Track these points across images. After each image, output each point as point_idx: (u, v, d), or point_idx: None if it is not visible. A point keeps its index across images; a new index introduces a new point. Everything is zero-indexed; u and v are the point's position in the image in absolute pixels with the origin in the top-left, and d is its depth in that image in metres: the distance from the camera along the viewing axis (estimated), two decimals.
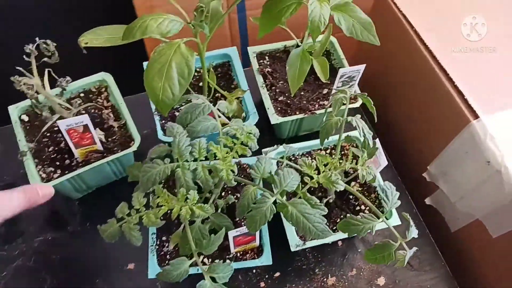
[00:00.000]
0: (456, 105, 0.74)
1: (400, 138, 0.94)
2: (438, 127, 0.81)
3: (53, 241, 0.81)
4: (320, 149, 0.79)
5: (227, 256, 0.70)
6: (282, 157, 0.71)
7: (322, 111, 0.80)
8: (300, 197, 0.57)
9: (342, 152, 0.79)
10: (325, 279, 0.76)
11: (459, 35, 0.82)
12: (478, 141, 0.71)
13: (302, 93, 0.83)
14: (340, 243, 0.80)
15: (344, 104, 0.64)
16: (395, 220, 0.68)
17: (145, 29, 0.58)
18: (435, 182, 0.84)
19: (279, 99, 0.82)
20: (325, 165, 0.60)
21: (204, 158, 0.60)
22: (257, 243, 0.69)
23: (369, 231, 0.56)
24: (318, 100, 0.83)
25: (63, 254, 0.80)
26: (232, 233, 0.64)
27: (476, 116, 0.72)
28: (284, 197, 0.57)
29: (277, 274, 0.76)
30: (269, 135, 0.91)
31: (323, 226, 0.53)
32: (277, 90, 0.83)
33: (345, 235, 0.65)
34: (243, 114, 0.77)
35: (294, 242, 0.67)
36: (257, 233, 0.66)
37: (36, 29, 1.09)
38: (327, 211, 0.55)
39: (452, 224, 0.83)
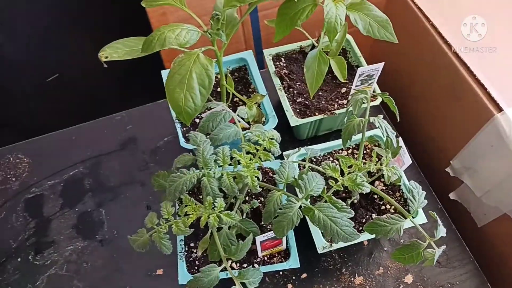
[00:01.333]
0: (479, 98, 0.73)
1: (420, 134, 0.93)
2: (460, 122, 0.80)
3: (83, 250, 0.83)
4: (342, 150, 0.79)
5: (255, 260, 0.71)
6: (303, 160, 0.71)
7: (342, 110, 0.80)
8: (325, 201, 0.57)
9: (364, 151, 0.79)
10: (352, 279, 0.76)
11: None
12: (503, 134, 0.70)
13: (320, 93, 0.83)
14: (366, 242, 0.80)
15: (364, 103, 0.64)
16: (421, 219, 0.67)
17: (164, 41, 0.59)
18: (459, 176, 0.83)
19: (297, 100, 0.82)
20: (349, 167, 0.60)
21: (228, 165, 0.61)
22: (283, 246, 0.70)
23: (396, 231, 0.56)
24: (337, 100, 0.82)
25: (93, 262, 0.82)
26: (259, 238, 0.64)
27: (500, 109, 0.70)
28: (309, 201, 0.57)
29: (304, 275, 0.77)
30: (288, 136, 0.91)
31: (351, 229, 0.53)
32: (295, 92, 0.83)
33: (372, 236, 0.65)
34: (263, 119, 0.78)
35: (321, 244, 0.67)
36: (284, 237, 0.67)
37: (56, 43, 1.13)
38: (353, 214, 0.55)
39: (478, 219, 0.82)
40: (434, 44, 0.80)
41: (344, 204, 0.55)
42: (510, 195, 0.72)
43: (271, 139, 0.61)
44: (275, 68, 0.86)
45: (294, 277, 0.76)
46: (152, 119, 0.98)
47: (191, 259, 0.72)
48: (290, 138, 0.92)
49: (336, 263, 0.77)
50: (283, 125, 0.80)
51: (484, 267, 0.78)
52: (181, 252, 0.72)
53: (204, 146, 0.60)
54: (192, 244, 0.73)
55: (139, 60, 0.88)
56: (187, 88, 0.58)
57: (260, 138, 0.61)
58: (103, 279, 0.80)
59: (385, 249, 0.79)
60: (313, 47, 0.85)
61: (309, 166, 0.65)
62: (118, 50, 0.66)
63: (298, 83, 0.85)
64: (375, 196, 0.73)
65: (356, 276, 0.76)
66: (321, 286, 0.76)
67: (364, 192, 0.57)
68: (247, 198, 0.75)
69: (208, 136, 0.64)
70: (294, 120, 0.79)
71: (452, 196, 0.87)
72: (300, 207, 0.55)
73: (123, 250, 0.82)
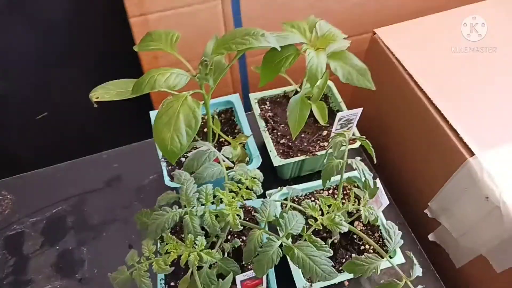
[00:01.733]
0: (452, 143, 0.77)
1: (399, 177, 0.97)
2: (436, 165, 0.83)
3: None
4: (323, 190, 0.81)
5: None
6: (285, 199, 0.73)
7: (323, 152, 0.83)
8: (305, 239, 0.59)
9: (344, 192, 0.81)
10: None
11: (452, 75, 0.86)
12: (475, 178, 0.73)
13: (303, 135, 0.87)
14: (346, 283, 0.80)
15: (343, 145, 0.67)
16: (399, 259, 0.69)
17: (154, 83, 0.62)
18: (436, 218, 0.86)
19: (281, 141, 0.85)
20: (329, 207, 0.62)
21: (210, 203, 0.62)
22: (264, 286, 0.70)
23: (374, 271, 0.58)
24: (319, 142, 0.86)
25: None
26: (239, 278, 0.65)
27: (471, 154, 0.74)
28: (290, 240, 0.59)
29: None
30: (272, 176, 0.93)
31: (329, 268, 0.55)
32: (279, 133, 0.87)
33: (351, 275, 0.66)
34: (247, 159, 0.80)
35: (301, 284, 0.68)
36: (264, 277, 0.67)
37: (47, 81, 1.15)
38: (332, 253, 0.56)
39: (456, 260, 0.84)
40: (411, 91, 0.85)
41: (323, 243, 0.57)
42: (484, 237, 0.75)
43: (254, 178, 0.63)
44: (260, 111, 0.90)
45: None
46: (138, 158, 1.00)
47: None
48: (274, 178, 0.94)
49: None
50: (267, 166, 0.82)
51: None
52: None
53: (188, 185, 0.62)
54: (172, 284, 0.73)
55: (129, 101, 0.91)
56: (174, 128, 0.61)
57: (243, 177, 0.63)
58: None
59: None
60: (296, 92, 0.89)
61: (290, 205, 0.67)
62: (109, 91, 0.69)
63: (281, 126, 0.88)
64: (355, 236, 0.75)
65: None
66: None
67: (343, 231, 0.59)
68: (229, 237, 0.76)
69: (192, 175, 0.65)
70: (277, 161, 0.82)
71: (431, 237, 0.89)
72: (280, 245, 0.57)
73: None
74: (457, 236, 0.81)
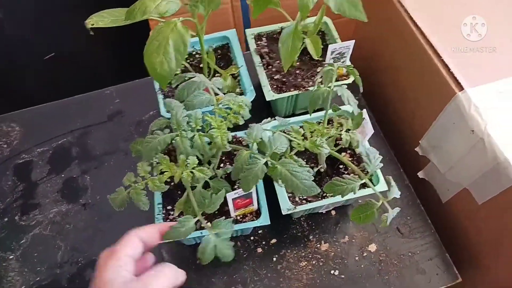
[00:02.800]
0: (443, 79, 0.77)
1: (394, 117, 0.98)
2: (427, 102, 0.84)
3: (67, 212, 0.88)
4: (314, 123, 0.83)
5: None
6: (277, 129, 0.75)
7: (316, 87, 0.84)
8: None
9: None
10: (318, 245, 0.80)
11: (450, 11, 0.85)
12: (463, 111, 0.74)
13: (298, 71, 0.88)
14: (333, 212, 0.84)
15: (332, 75, 0.68)
16: (382, 186, 0.72)
17: (144, 10, 0.63)
18: (427, 155, 0.88)
19: (275, 77, 0.87)
20: (312, 132, 0.65)
21: (201, 129, 0.65)
22: (255, 206, 0.74)
23: (352, 192, 0.61)
24: (313, 78, 0.87)
25: (76, 224, 0.86)
26: (230, 195, 0.68)
27: (461, 88, 0.75)
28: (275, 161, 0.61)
29: (274, 240, 0.81)
30: (267, 113, 0.95)
31: (310, 182, 0.58)
32: (273, 69, 0.88)
33: (336, 200, 0.70)
34: (238, 89, 0.82)
35: (286, 206, 0.71)
36: (255, 197, 0.71)
37: (54, 21, 1.17)
38: (312, 171, 0.59)
39: (442, 194, 0.87)
40: (405, 25, 0.85)
41: (304, 163, 0.60)
42: (468, 170, 0.77)
43: (241, 103, 0.65)
44: (256, 46, 0.90)
45: (264, 242, 0.81)
46: (139, 94, 1.03)
47: (168, 220, 0.76)
48: (269, 115, 0.95)
49: (304, 230, 0.82)
50: (262, 103, 0.84)
51: (444, 239, 0.82)
52: (158, 214, 0.76)
53: (177, 110, 0.64)
54: (169, 207, 0.77)
55: (131, 38, 0.93)
56: (163, 53, 0.63)
57: (231, 103, 0.65)
58: (84, 240, 0.84)
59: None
60: None
61: (278, 132, 0.69)
62: (104, 19, 0.71)
63: (277, 62, 0.89)
64: (341, 167, 0.77)
65: (323, 243, 0.81)
66: (289, 251, 0.80)
67: (325, 154, 0.62)
68: (221, 165, 0.80)
69: (183, 103, 0.68)
70: (270, 95, 0.83)
71: (420, 174, 0.91)
72: (266, 164, 0.60)
73: (104, 213, 0.87)
74: (444, 171, 0.83)
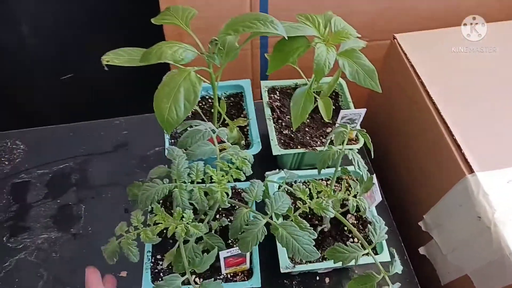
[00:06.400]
0: (454, 158, 0.76)
1: (399, 185, 0.96)
2: (435, 178, 0.82)
3: (56, 240, 0.86)
4: (321, 180, 0.82)
5: (218, 277, 0.72)
6: (283, 182, 0.73)
7: (323, 148, 0.83)
8: (292, 220, 0.60)
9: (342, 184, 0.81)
10: None
11: (465, 88, 0.85)
12: (471, 195, 0.72)
13: (307, 129, 0.87)
14: (327, 280, 0.81)
15: (344, 137, 0.67)
16: (385, 256, 0.69)
17: (160, 54, 0.64)
18: (429, 232, 0.85)
19: (284, 132, 0.86)
20: (319, 192, 0.63)
21: (201, 181, 0.64)
22: (247, 265, 0.71)
23: (353, 261, 0.58)
24: (321, 138, 0.86)
25: (63, 254, 0.84)
26: (223, 254, 0.66)
27: (471, 171, 0.73)
28: (279, 220, 0.60)
29: None
30: (273, 165, 0.93)
31: (311, 247, 0.56)
32: (283, 124, 0.87)
33: (335, 265, 0.67)
34: (243, 142, 0.81)
35: (285, 264, 0.70)
36: (248, 256, 0.69)
37: (75, 43, 1.19)
38: (316, 234, 0.57)
39: (443, 276, 0.83)
40: (421, 99, 0.84)
41: (308, 225, 0.58)
42: (472, 256, 0.74)
43: (244, 158, 0.64)
44: (269, 99, 0.91)
45: None
46: (147, 128, 1.03)
47: (156, 270, 0.73)
48: (274, 168, 0.94)
49: None
50: (269, 155, 0.83)
51: None
52: (147, 262, 0.73)
53: (179, 160, 0.63)
54: (158, 256, 0.74)
55: (148, 72, 0.94)
56: (173, 100, 0.63)
57: (234, 157, 0.64)
58: (68, 271, 0.82)
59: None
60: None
61: (284, 187, 0.68)
62: (120, 57, 0.72)
63: (287, 117, 0.89)
64: (345, 229, 0.75)
65: None
66: None
67: (329, 217, 0.60)
68: (217, 216, 0.78)
69: (185, 152, 0.67)
70: (276, 149, 0.82)
71: (421, 250, 0.88)
72: (267, 224, 0.58)
73: (93, 246, 0.84)
74: (446, 253, 0.80)
